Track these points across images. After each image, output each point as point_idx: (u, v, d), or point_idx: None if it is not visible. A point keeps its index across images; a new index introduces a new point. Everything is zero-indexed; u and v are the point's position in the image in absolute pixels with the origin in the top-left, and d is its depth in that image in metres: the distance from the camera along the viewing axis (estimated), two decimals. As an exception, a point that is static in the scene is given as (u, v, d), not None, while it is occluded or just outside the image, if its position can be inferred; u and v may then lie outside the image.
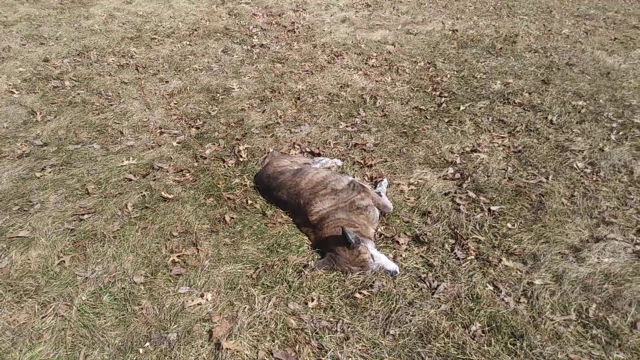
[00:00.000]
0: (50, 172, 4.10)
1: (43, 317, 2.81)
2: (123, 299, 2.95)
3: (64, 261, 3.19)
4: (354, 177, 4.02)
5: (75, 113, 5.02)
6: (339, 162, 4.26)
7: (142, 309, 2.89)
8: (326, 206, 3.48)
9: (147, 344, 2.68)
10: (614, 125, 4.93)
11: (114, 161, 4.28)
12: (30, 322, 2.78)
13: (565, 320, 2.84)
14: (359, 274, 3.11)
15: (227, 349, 2.62)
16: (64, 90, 5.50)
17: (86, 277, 3.08)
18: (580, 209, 3.77)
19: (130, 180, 4.05)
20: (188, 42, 7.10)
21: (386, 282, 3.06)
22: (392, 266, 3.12)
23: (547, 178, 4.12)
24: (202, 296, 2.97)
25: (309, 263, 3.20)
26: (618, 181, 4.10)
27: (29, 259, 3.21)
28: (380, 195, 3.74)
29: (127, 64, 6.29)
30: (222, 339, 2.68)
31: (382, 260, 3.15)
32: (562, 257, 3.31)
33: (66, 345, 2.67)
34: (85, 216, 3.61)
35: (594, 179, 4.13)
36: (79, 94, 5.42)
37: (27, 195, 3.81)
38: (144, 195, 3.86)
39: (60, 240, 3.37)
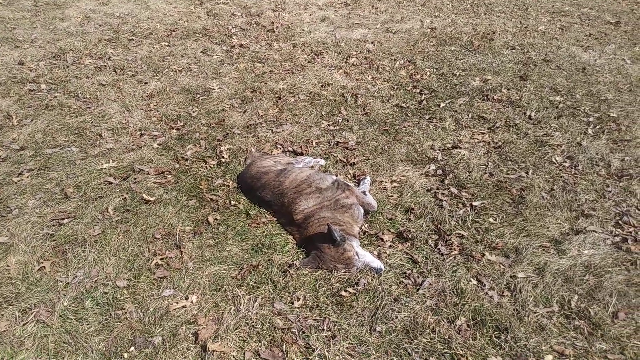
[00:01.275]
0: (27, 177, 4.02)
1: (24, 324, 2.75)
2: (106, 303, 2.91)
3: (44, 267, 3.14)
4: (337, 175, 4.02)
5: (52, 116, 4.93)
6: (322, 162, 4.26)
7: (125, 313, 2.85)
8: (310, 205, 3.47)
9: (132, 348, 2.65)
10: (591, 119, 5.02)
11: (94, 164, 4.22)
12: (11, 330, 2.72)
13: (548, 312, 2.88)
14: (344, 272, 3.11)
15: (213, 350, 2.60)
16: (40, 93, 5.40)
17: (67, 283, 3.03)
18: (560, 202, 3.83)
19: (111, 183, 3.99)
20: (166, 43, 7.03)
21: (371, 280, 3.07)
22: (377, 263, 3.13)
23: (527, 173, 4.17)
24: (186, 298, 2.94)
25: (294, 262, 3.19)
26: (596, 174, 4.17)
27: (8, 266, 3.14)
28: (365, 194, 3.75)
29: (105, 65, 6.20)
30: (208, 341, 2.66)
31: (367, 257, 3.16)
32: (543, 250, 3.36)
33: (49, 352, 2.62)
34: (65, 220, 3.55)
35: (573, 172, 4.20)
36: (55, 97, 5.32)
37: (5, 201, 3.73)
38: (125, 198, 3.82)
39: (40, 246, 3.31)
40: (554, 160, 4.34)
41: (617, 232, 3.53)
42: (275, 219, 3.64)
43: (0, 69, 5.89)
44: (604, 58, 6.63)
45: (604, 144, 4.58)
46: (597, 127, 4.88)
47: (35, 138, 4.56)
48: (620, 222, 3.63)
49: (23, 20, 7.60)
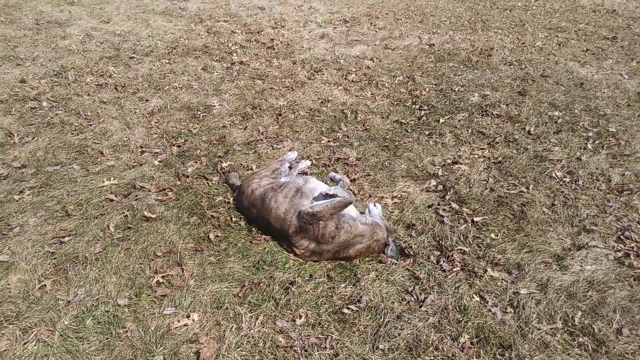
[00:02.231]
0: (29, 195, 4.02)
1: (25, 344, 2.73)
2: (107, 322, 2.89)
3: (45, 285, 3.12)
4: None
5: (53, 134, 4.94)
6: (308, 162, 4.31)
7: (126, 331, 2.83)
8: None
9: (133, 367, 2.63)
10: (590, 134, 5.05)
11: (95, 182, 4.22)
12: (12, 349, 2.70)
13: (551, 328, 2.87)
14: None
15: (215, 370, 2.58)
16: (41, 111, 5.42)
17: (68, 301, 3.01)
18: (561, 217, 3.83)
19: (112, 200, 3.99)
20: (167, 61, 7.08)
21: (373, 297, 3.06)
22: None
23: (527, 188, 4.18)
24: (188, 317, 2.93)
25: (296, 280, 3.18)
26: (596, 189, 4.18)
27: (8, 284, 3.13)
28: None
29: (106, 83, 6.23)
30: (210, 360, 2.64)
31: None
32: (545, 265, 3.35)
33: (49, 372, 2.60)
34: (66, 238, 3.54)
35: (573, 187, 4.20)
36: (57, 114, 5.35)
37: (6, 219, 3.73)
38: (126, 215, 3.81)
39: (40, 264, 3.29)
40: (554, 175, 4.35)
41: (619, 247, 3.53)
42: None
43: (1, 86, 5.92)
44: (602, 73, 6.68)
45: (604, 159, 4.59)
46: (597, 142, 4.90)
47: (37, 156, 4.57)
48: (622, 237, 3.63)
49: (24, 39, 7.66)
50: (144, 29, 8.53)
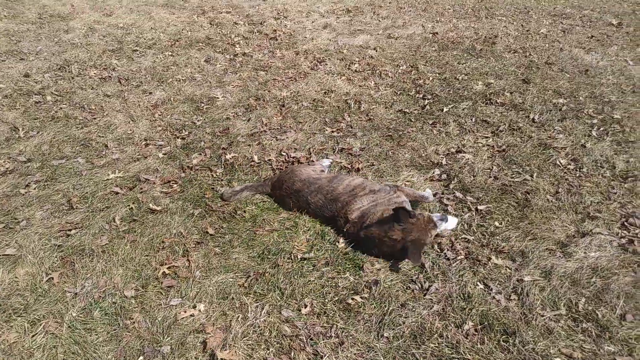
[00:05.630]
0: (35, 188, 4.05)
1: (33, 336, 2.77)
2: (114, 313, 2.92)
3: (52, 278, 3.15)
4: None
5: (58, 128, 4.97)
6: (328, 162, 4.35)
7: (134, 322, 2.86)
8: (365, 203, 3.55)
9: (141, 358, 2.66)
10: (595, 121, 5.02)
11: (100, 175, 4.25)
12: (21, 341, 2.74)
13: (555, 315, 2.88)
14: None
15: (221, 359, 2.61)
16: (46, 105, 5.45)
17: (76, 293, 3.05)
18: (565, 204, 3.82)
19: (117, 193, 4.02)
20: (170, 53, 7.08)
21: (377, 287, 3.08)
22: (446, 218, 3.46)
23: (531, 176, 4.17)
24: (194, 307, 2.95)
25: (303, 269, 3.20)
26: (601, 176, 4.17)
27: (16, 277, 3.16)
28: (415, 191, 3.88)
29: (109, 76, 6.25)
30: (216, 349, 2.66)
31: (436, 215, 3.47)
32: (549, 253, 3.35)
33: (58, 362, 2.64)
34: (73, 231, 3.57)
35: (577, 175, 4.19)
36: (61, 108, 5.37)
37: (12, 213, 3.76)
38: (132, 208, 3.84)
39: (47, 257, 3.33)
40: (559, 163, 4.34)
41: (623, 234, 3.52)
42: (325, 223, 3.68)
43: (6, 81, 5.95)
44: (607, 60, 6.63)
45: (609, 146, 4.57)
46: (601, 129, 4.88)
47: (42, 150, 4.60)
48: (626, 223, 3.62)
49: (28, 33, 7.67)
50: (147, 21, 8.53)
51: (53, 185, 4.11)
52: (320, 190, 3.70)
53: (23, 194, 3.99)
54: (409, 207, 3.56)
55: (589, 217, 3.69)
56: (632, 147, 4.56)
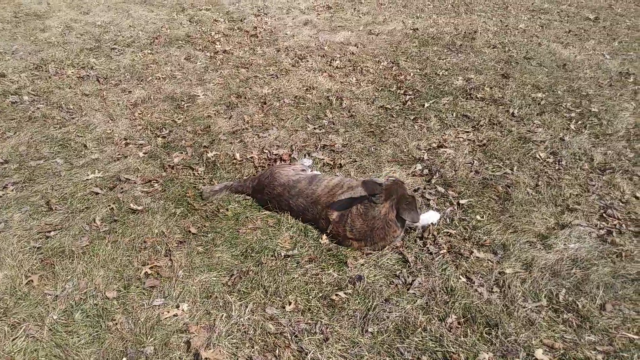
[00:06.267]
0: (12, 190, 3.98)
1: (14, 339, 2.72)
2: (96, 315, 2.89)
3: (32, 280, 3.10)
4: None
5: (35, 128, 4.88)
6: (309, 162, 4.32)
7: (116, 324, 2.83)
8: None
9: (124, 359, 2.63)
10: (573, 115, 5.10)
11: (79, 175, 4.19)
12: (1, 345, 2.69)
13: (537, 306, 2.92)
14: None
15: (206, 358, 2.59)
16: (22, 105, 5.35)
17: (56, 296, 3.00)
18: (545, 197, 3.88)
19: (97, 193, 3.97)
20: (149, 51, 7.00)
21: (360, 282, 3.09)
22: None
23: (512, 169, 4.22)
24: (177, 307, 2.93)
25: (286, 267, 3.20)
26: (579, 169, 4.24)
27: (-5, 281, 3.11)
28: None
29: (88, 75, 6.15)
30: (200, 349, 2.65)
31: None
32: (530, 245, 3.40)
33: (39, 366, 2.60)
34: (52, 233, 3.51)
35: (557, 168, 4.26)
36: (38, 108, 5.27)
37: (-10, 215, 3.69)
38: (112, 208, 3.79)
39: (27, 260, 3.27)
40: (538, 157, 4.40)
41: (602, 225, 3.59)
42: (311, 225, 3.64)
43: (-19, 81, 5.82)
44: (584, 54, 6.74)
45: (587, 139, 4.65)
46: (579, 122, 4.95)
47: (19, 150, 4.51)
48: (604, 215, 3.69)
49: (3, 32, 7.52)
50: (125, 19, 8.41)
51: (31, 186, 4.04)
52: (300, 194, 3.66)
53: (0, 196, 3.91)
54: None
55: (568, 209, 3.74)
56: (609, 139, 4.64)
